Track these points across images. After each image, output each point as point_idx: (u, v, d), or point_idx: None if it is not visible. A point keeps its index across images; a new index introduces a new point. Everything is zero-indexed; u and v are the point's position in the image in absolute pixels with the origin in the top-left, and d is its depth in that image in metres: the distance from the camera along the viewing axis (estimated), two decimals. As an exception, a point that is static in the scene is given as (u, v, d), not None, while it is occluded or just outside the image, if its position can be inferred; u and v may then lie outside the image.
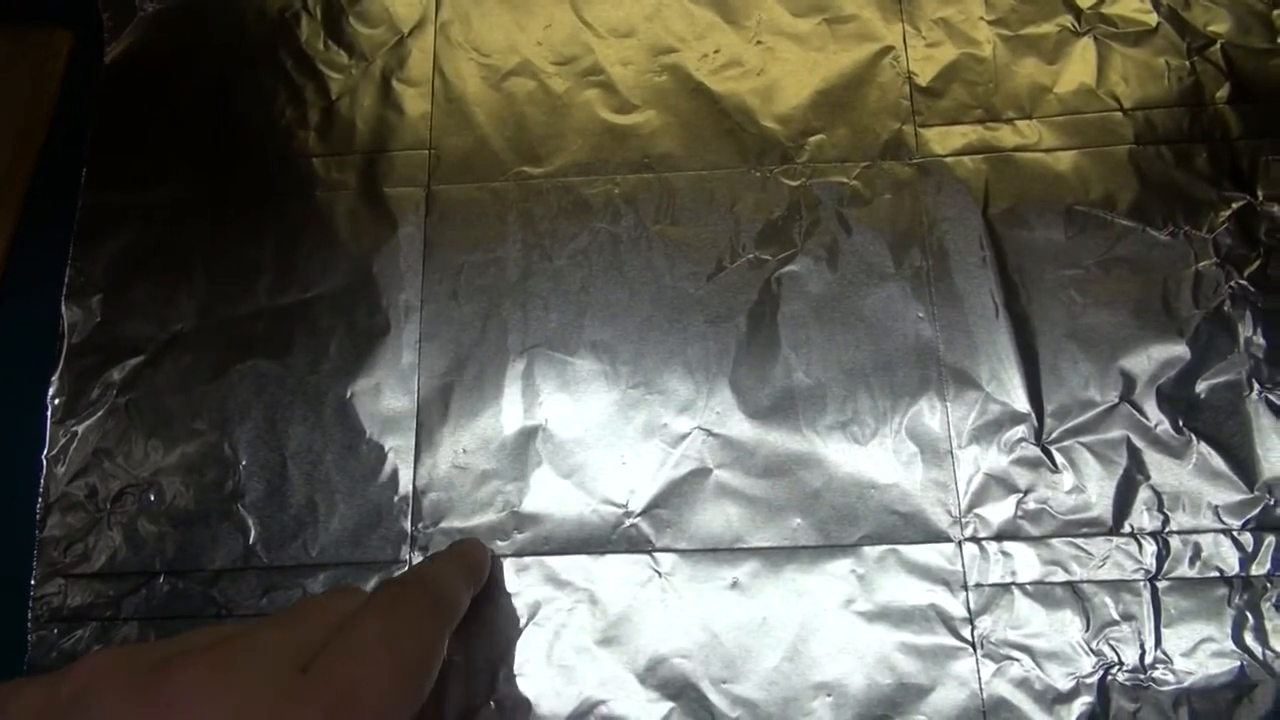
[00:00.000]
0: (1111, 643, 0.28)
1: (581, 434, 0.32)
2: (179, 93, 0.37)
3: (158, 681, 0.20)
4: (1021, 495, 0.30)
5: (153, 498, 0.32)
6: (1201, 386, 0.30)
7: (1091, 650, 0.28)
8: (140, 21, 0.38)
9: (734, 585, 0.30)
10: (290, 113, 0.36)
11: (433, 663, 0.24)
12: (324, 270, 0.34)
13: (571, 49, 0.36)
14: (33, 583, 0.31)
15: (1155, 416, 0.30)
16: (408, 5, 0.37)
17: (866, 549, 0.30)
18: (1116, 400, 0.31)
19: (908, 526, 0.30)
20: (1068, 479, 0.30)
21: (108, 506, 0.32)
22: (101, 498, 0.32)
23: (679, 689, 0.29)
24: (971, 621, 0.29)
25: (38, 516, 0.32)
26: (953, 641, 0.29)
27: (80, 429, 0.33)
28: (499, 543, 0.31)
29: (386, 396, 0.32)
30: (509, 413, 0.32)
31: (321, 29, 0.37)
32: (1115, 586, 0.29)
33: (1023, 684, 0.28)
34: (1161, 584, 0.29)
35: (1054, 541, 0.29)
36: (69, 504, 0.32)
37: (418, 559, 0.31)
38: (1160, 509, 0.29)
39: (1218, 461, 0.30)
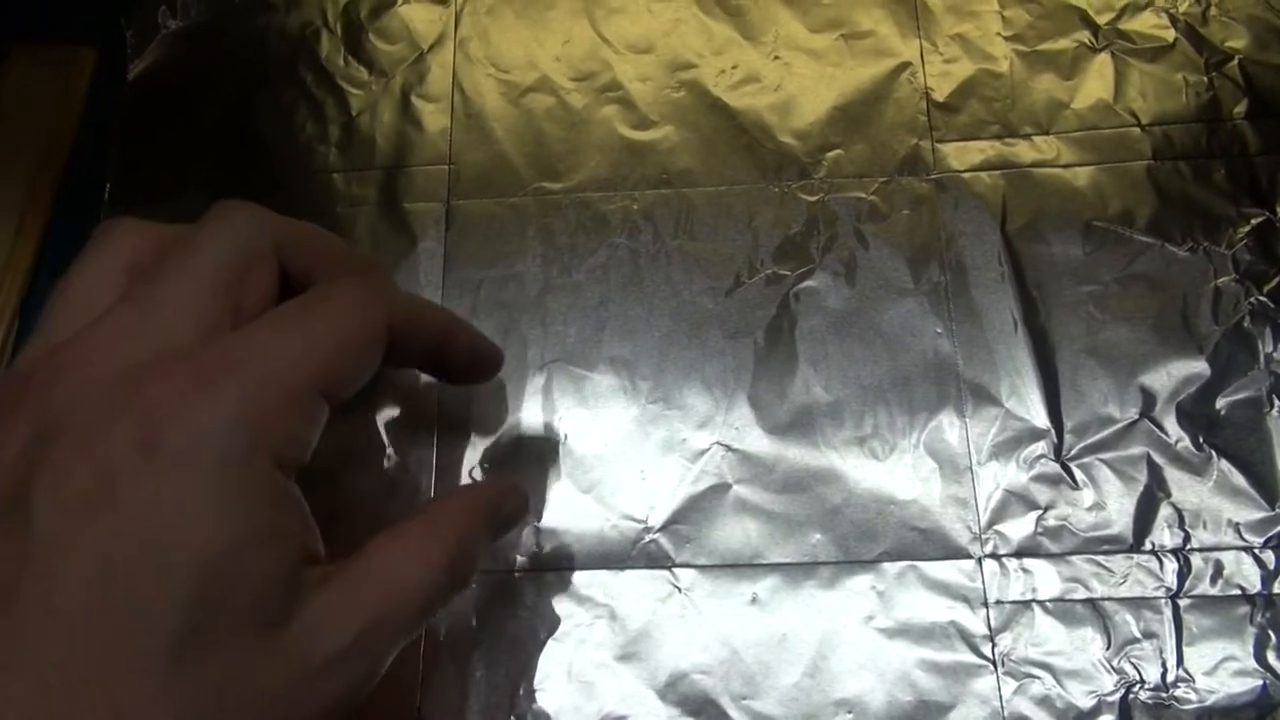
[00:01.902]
0: (1133, 661, 0.28)
1: (601, 449, 0.32)
2: (201, 109, 0.37)
3: (134, 390, 0.18)
4: (1041, 512, 0.30)
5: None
6: (1222, 403, 0.30)
7: (1113, 668, 0.28)
8: (163, 39, 0.38)
9: (754, 601, 0.30)
10: (311, 129, 0.36)
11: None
12: (344, 285, 0.34)
13: (590, 65, 0.36)
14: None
15: (1175, 433, 0.30)
16: (427, 22, 0.37)
17: (886, 565, 0.30)
18: (1136, 417, 0.30)
19: (927, 543, 0.30)
20: (1088, 496, 0.30)
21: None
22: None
23: (699, 705, 0.29)
24: (992, 639, 0.29)
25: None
26: (973, 659, 0.29)
27: (103, 443, 0.33)
28: (518, 558, 0.31)
29: (407, 411, 0.33)
30: (528, 428, 0.32)
31: (342, 45, 0.37)
32: (1136, 604, 0.29)
33: (1044, 702, 0.28)
34: (1183, 602, 0.29)
35: (1074, 558, 0.29)
36: (92, 517, 0.32)
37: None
38: (1181, 526, 0.29)
39: (1239, 479, 0.30)
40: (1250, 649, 0.28)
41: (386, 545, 0.22)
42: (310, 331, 0.21)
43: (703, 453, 0.31)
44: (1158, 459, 0.30)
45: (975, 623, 0.29)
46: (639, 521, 0.31)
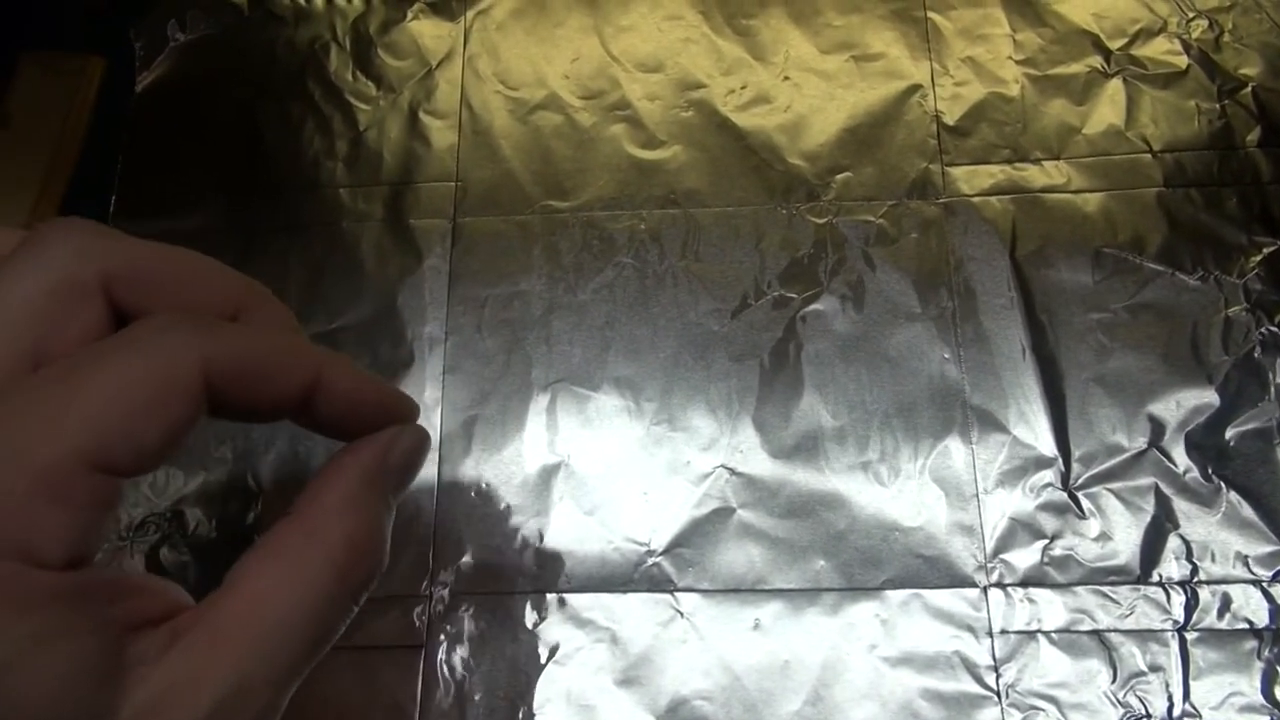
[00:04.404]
0: (1139, 694, 0.28)
1: (604, 470, 0.31)
2: (209, 122, 0.37)
3: None
4: (1048, 541, 0.30)
5: (175, 527, 0.32)
6: (1231, 434, 0.30)
7: (1119, 701, 0.28)
8: (172, 51, 0.38)
9: (756, 627, 0.30)
10: (318, 143, 0.36)
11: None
12: (349, 301, 0.34)
13: (598, 83, 0.36)
14: (54, 610, 0.31)
15: (1184, 463, 0.30)
16: (436, 38, 0.37)
17: (890, 593, 0.30)
18: (1145, 446, 0.30)
19: (932, 571, 0.30)
20: (1095, 526, 0.30)
21: (130, 535, 0.32)
22: (124, 526, 0.32)
23: (699, 732, 0.29)
24: (996, 669, 0.29)
25: (61, 543, 0.32)
26: (977, 689, 0.28)
27: (105, 456, 0.33)
28: (520, 579, 0.31)
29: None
30: (531, 448, 0.32)
31: (350, 60, 0.37)
32: (1143, 636, 0.28)
33: (1048, 735, 0.28)
34: (1190, 635, 0.28)
35: (1080, 589, 0.29)
36: (92, 531, 0.32)
37: (439, 593, 0.31)
38: (1189, 558, 0.29)
39: (1247, 510, 0.29)
40: (1258, 684, 0.28)
41: (254, 570, 0.17)
42: (78, 392, 0.16)
43: (706, 476, 0.31)
44: (1166, 489, 0.30)
45: (980, 653, 0.29)
46: (641, 544, 0.31)
